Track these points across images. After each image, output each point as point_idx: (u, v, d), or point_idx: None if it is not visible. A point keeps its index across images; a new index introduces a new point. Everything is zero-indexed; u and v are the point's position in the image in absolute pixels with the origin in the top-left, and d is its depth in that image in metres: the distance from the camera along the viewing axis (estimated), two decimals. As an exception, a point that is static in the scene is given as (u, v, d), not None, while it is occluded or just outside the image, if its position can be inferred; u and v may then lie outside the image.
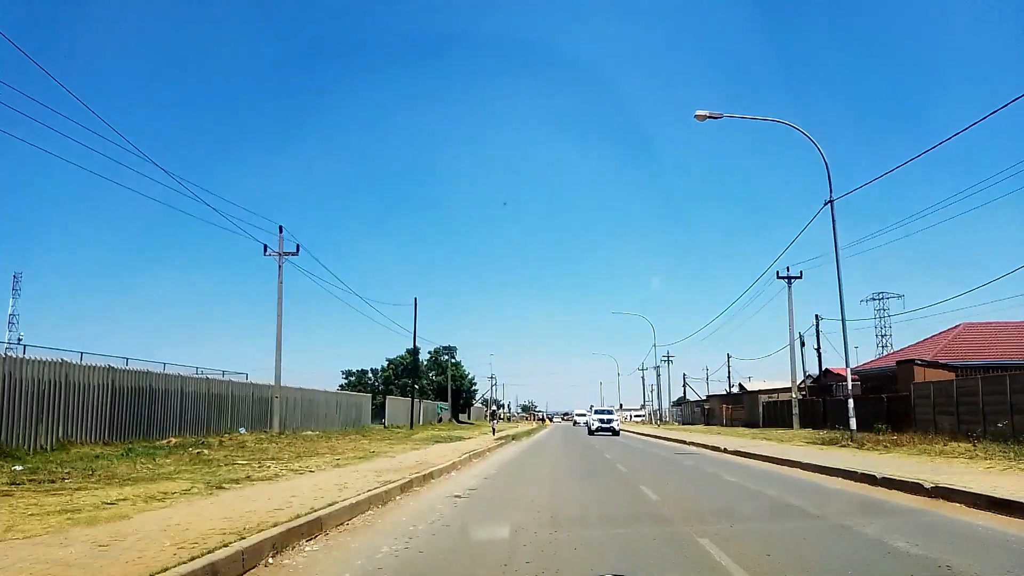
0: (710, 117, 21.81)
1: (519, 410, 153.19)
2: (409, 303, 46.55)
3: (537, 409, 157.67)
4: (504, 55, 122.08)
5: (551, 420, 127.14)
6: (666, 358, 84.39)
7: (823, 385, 39.91)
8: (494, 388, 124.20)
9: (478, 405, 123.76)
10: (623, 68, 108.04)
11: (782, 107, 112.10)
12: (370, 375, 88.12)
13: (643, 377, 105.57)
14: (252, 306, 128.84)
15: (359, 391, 76.87)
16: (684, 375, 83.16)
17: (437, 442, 29.09)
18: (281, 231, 27.54)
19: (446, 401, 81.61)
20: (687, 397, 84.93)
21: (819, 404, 37.81)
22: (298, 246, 27.75)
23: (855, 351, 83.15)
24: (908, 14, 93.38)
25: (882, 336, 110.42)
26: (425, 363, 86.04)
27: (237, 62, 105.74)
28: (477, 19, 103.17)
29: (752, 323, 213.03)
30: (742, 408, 53.86)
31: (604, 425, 42.37)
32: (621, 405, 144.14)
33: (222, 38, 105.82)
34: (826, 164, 21.96)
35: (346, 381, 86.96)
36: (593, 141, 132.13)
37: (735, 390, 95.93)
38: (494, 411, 39.52)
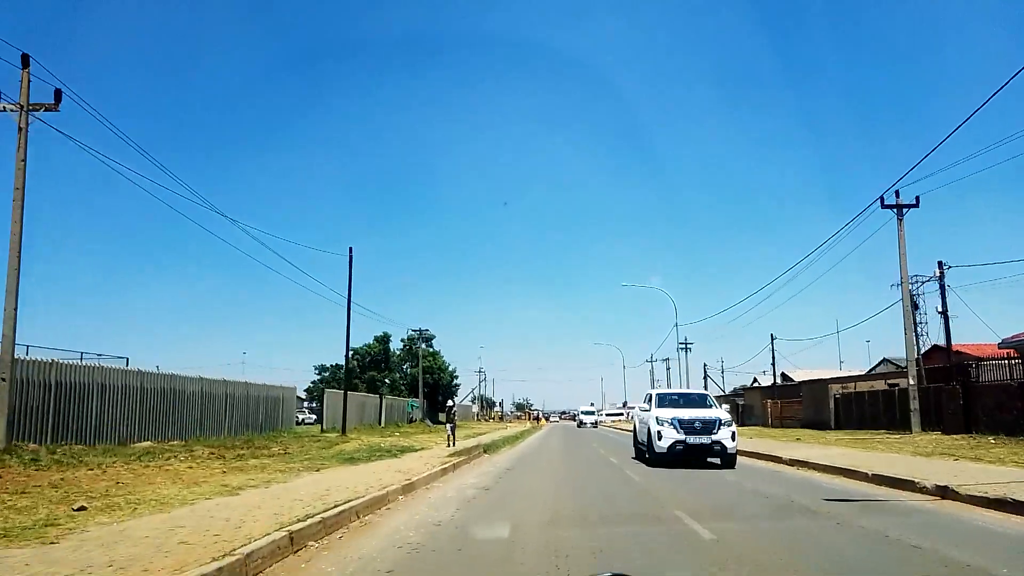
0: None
1: (512, 409, 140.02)
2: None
3: (532, 407, 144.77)
4: (501, 54, 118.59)
5: (548, 420, 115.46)
6: (683, 345, 71.27)
7: (957, 366, 26.58)
8: (483, 383, 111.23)
9: (466, 403, 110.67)
10: (622, 66, 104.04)
11: (780, 104, 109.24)
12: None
13: (651, 369, 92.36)
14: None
15: (332, 388, 63.99)
16: (704, 365, 70.15)
17: (353, 461, 16.51)
18: (26, 65, 14.32)
19: (421, 397, 68.57)
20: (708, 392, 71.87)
21: (954, 395, 24.69)
22: (58, 94, 14.48)
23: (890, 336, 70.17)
24: (908, 11, 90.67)
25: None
26: (398, 353, 72.98)
27: (230, 62, 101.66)
28: (474, 18, 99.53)
29: (780, 311, 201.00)
30: (798, 403, 40.92)
31: (698, 441, 15.26)
32: (626, 403, 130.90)
33: (215, 39, 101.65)
34: None
35: (319, 377, 74.03)
36: (592, 139, 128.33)
37: (761, 382, 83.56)
38: (451, 407, 25.29)
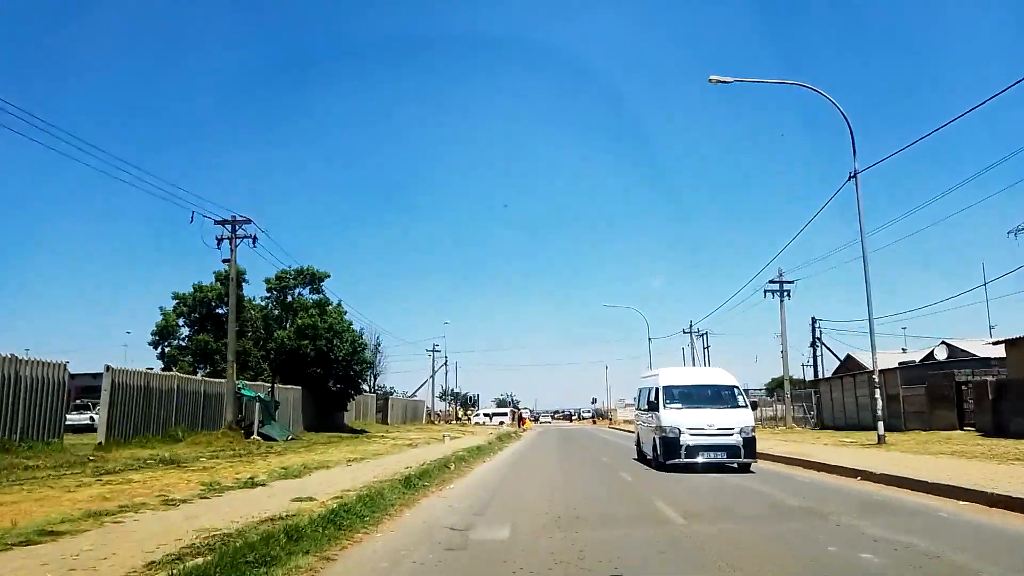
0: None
1: (492, 405, 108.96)
2: None
3: (518, 405, 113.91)
4: (494, 52, 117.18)
5: (535, 421, 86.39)
6: (779, 284, 39.54)
7: None
8: (444, 370, 79.51)
9: (420, 396, 79.10)
10: (617, 62, 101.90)
11: (777, 98, 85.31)
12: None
13: (691, 341, 60.34)
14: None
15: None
16: (814, 321, 38.52)
17: None
18: None
19: (300, 380, 37.16)
20: (819, 364, 40.10)
21: None
22: None
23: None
24: (906, 3, 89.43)
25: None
26: (260, 303, 41.35)
27: (220, 62, 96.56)
28: (465, 16, 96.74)
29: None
30: None
31: None
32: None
33: (204, 38, 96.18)
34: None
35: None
36: (588, 137, 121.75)
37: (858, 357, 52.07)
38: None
